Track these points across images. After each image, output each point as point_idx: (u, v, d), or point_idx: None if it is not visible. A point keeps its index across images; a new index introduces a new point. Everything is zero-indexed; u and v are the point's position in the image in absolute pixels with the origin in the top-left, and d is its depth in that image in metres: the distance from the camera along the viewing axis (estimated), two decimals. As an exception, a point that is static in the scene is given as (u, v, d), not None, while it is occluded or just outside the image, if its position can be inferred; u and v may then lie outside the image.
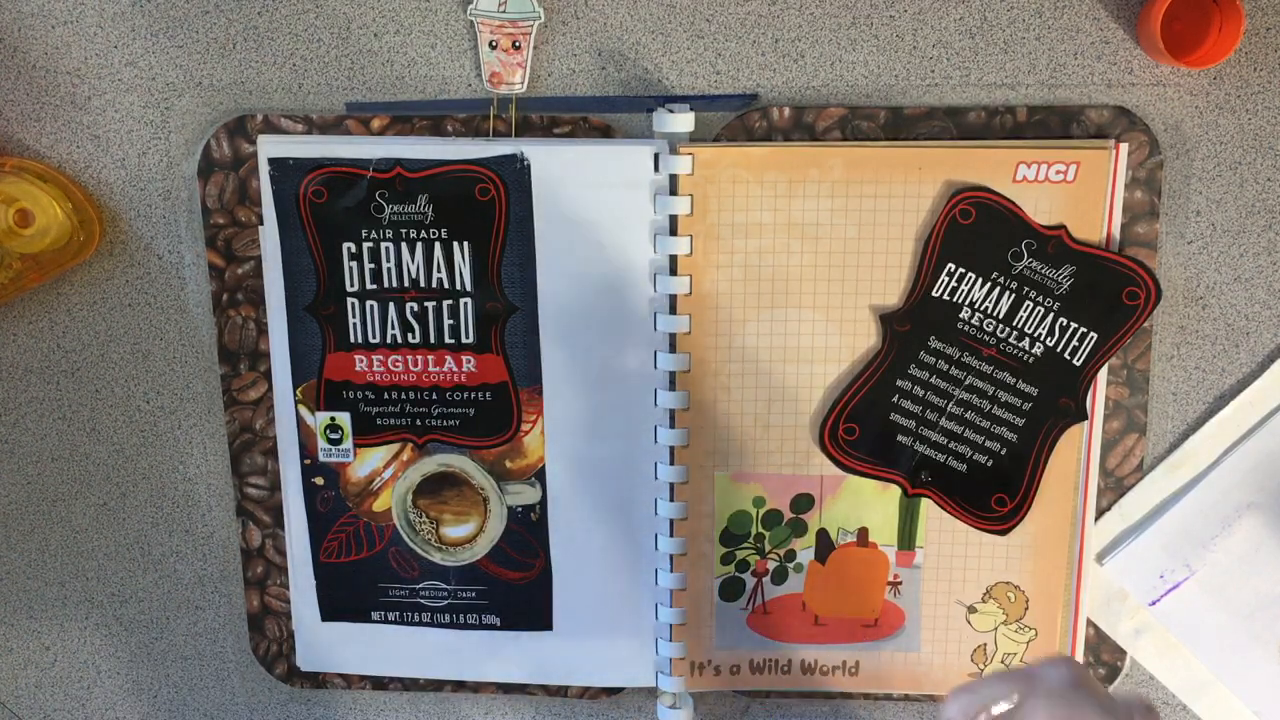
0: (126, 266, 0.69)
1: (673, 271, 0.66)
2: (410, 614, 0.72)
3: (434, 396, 0.68)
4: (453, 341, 0.68)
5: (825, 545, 0.69)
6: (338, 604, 0.72)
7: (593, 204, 0.65)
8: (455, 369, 0.68)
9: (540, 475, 0.69)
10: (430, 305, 0.67)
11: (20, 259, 0.66)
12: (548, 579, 0.71)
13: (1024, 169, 0.63)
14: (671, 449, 0.68)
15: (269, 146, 0.66)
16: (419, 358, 0.68)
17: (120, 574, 0.74)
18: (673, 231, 0.65)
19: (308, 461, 0.70)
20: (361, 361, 0.68)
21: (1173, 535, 0.68)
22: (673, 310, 0.66)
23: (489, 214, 0.65)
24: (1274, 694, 0.69)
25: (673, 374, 0.67)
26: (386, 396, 0.69)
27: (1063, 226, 0.64)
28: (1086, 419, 0.66)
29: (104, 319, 0.70)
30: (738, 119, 0.65)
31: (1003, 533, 0.68)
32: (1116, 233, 0.64)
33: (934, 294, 0.65)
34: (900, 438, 0.67)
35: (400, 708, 0.75)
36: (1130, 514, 0.68)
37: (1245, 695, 0.70)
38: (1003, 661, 0.70)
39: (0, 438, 0.72)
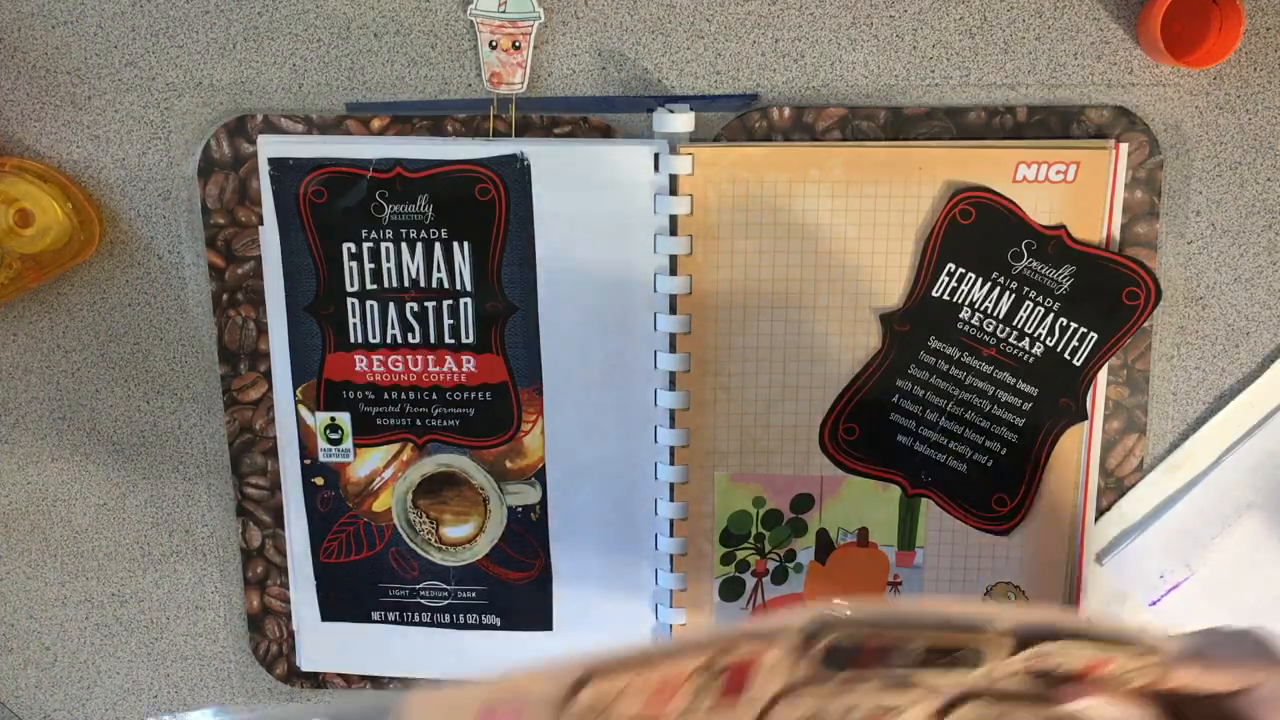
0: (126, 266, 0.69)
1: (673, 271, 0.66)
2: (410, 614, 0.72)
3: (434, 396, 0.68)
4: (453, 341, 0.68)
5: (825, 545, 0.69)
6: (338, 604, 0.72)
7: (593, 204, 0.65)
8: (455, 369, 0.68)
9: (540, 475, 0.69)
10: (430, 305, 0.67)
11: (20, 259, 0.66)
12: (548, 579, 0.71)
13: (1024, 169, 0.63)
14: (671, 449, 0.68)
15: (269, 146, 0.66)
16: (419, 358, 0.68)
17: (120, 574, 0.74)
18: (673, 231, 0.65)
19: (308, 461, 0.70)
20: (361, 361, 0.68)
21: (1173, 535, 0.68)
22: (673, 310, 0.66)
23: (489, 214, 0.66)
24: (1274, 694, 0.69)
25: (673, 374, 0.67)
26: (386, 396, 0.69)
27: (1063, 226, 0.64)
28: (1086, 419, 0.66)
29: (104, 319, 0.70)
30: (738, 119, 0.65)
31: (1003, 533, 0.68)
32: (1116, 233, 0.64)
33: (934, 294, 0.65)
34: (900, 438, 0.67)
35: (400, 708, 0.74)
36: (1130, 514, 0.68)
37: (1245, 695, 0.70)
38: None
39: (0, 438, 0.72)
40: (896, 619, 0.45)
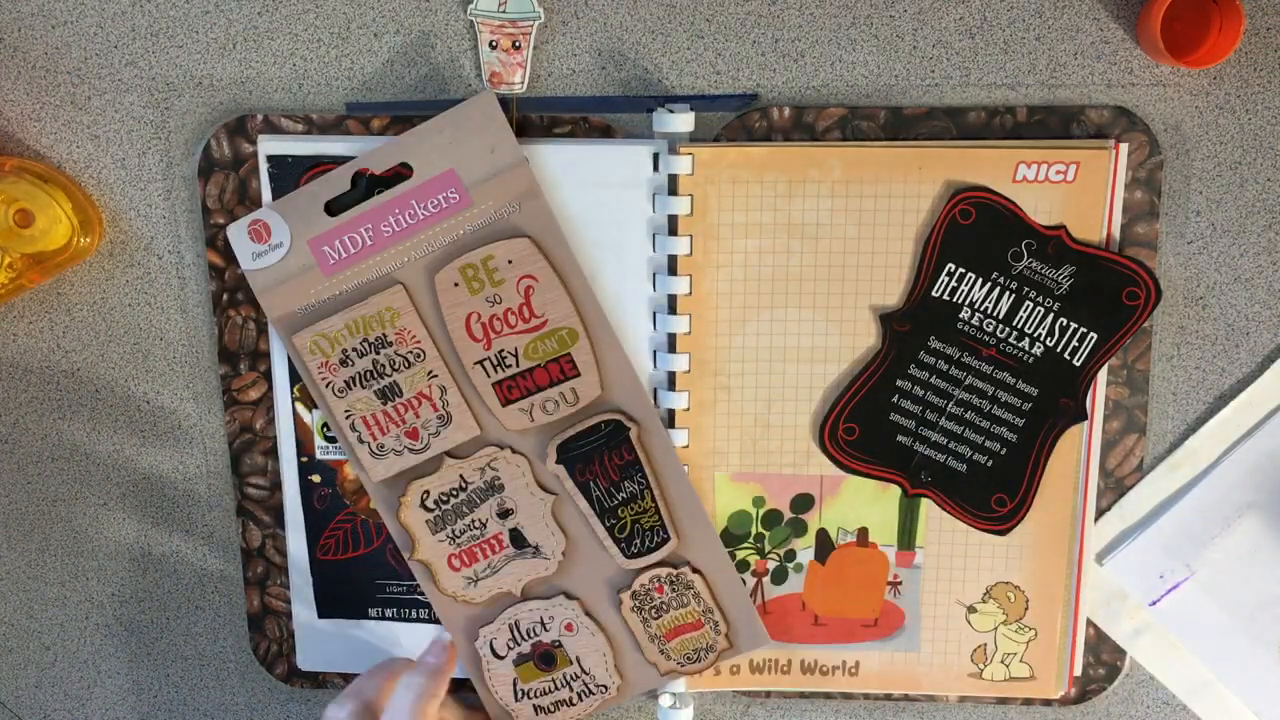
0: (126, 266, 0.69)
1: (673, 271, 0.66)
2: (408, 610, 0.72)
3: (434, 396, 0.68)
4: (453, 341, 0.68)
5: (825, 545, 0.69)
6: (335, 601, 0.72)
7: (592, 204, 0.65)
8: (455, 369, 0.68)
9: (540, 475, 0.69)
10: (430, 305, 0.67)
11: (20, 259, 0.66)
12: (548, 579, 0.71)
13: (1024, 169, 0.63)
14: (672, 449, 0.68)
15: (269, 146, 0.66)
16: (419, 358, 0.68)
17: (120, 574, 0.74)
18: (672, 231, 0.65)
19: (305, 459, 0.70)
20: (361, 361, 0.68)
21: (1173, 535, 0.68)
22: (673, 310, 0.66)
23: (489, 214, 0.65)
24: (1274, 694, 0.69)
25: (672, 374, 0.67)
26: (386, 396, 0.69)
27: (1063, 226, 0.64)
28: (1086, 419, 0.66)
29: (104, 319, 0.70)
30: (738, 119, 0.65)
31: (1003, 533, 0.68)
32: (1116, 233, 0.64)
33: (934, 294, 0.65)
34: (900, 438, 0.67)
35: (400, 708, 0.74)
36: (1130, 514, 0.68)
37: (1245, 695, 0.70)
38: (1002, 662, 0.70)
39: (0, 438, 0.72)
40: None
